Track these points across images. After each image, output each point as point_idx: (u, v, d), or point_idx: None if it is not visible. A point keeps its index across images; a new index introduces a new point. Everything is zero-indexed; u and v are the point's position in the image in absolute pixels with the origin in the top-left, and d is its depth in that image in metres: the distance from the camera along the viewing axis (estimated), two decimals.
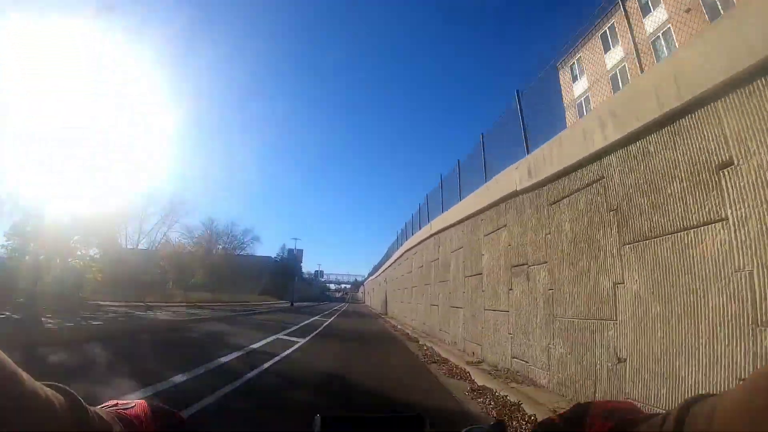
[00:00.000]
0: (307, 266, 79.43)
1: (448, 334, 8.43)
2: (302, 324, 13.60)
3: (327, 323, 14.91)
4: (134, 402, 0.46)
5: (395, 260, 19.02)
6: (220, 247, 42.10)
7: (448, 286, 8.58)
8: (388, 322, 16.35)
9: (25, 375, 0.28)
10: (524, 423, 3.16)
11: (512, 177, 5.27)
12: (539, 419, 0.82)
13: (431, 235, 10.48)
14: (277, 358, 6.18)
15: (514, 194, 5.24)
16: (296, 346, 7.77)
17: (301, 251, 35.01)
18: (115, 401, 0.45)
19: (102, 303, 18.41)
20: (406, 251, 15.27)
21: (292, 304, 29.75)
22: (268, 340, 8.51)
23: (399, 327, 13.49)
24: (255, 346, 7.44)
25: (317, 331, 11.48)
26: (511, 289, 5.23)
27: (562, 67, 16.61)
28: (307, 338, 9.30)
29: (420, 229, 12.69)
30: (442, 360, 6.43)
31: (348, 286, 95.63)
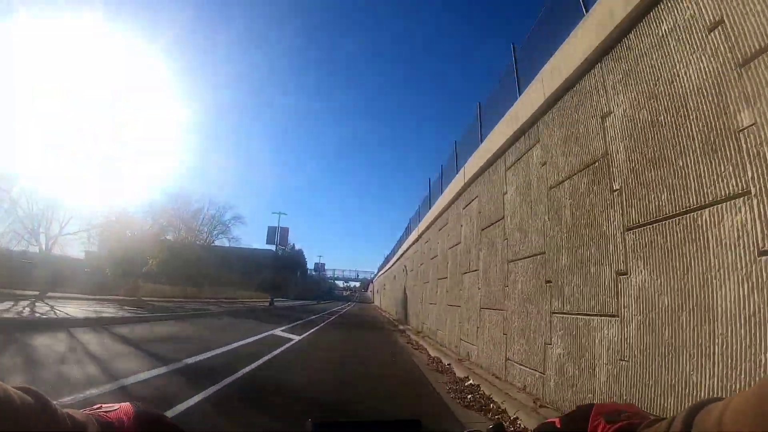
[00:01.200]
0: (310, 262, 71.59)
1: None
2: (200, 359, 4.94)
3: (280, 351, 6.23)
4: (118, 405, 0.44)
5: (434, 219, 9.80)
6: (197, 228, 33.76)
7: None
8: (424, 356, 7.51)
9: None
10: None
11: None
12: None
13: None
14: None
15: None
16: None
17: (287, 229, 26.52)
18: (99, 404, 0.43)
19: None
20: (468, 182, 6.39)
21: (271, 304, 21.31)
22: None
23: (477, 387, 4.74)
24: None
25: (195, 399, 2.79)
26: None
27: None
28: None
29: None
30: None
31: (357, 284, 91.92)
